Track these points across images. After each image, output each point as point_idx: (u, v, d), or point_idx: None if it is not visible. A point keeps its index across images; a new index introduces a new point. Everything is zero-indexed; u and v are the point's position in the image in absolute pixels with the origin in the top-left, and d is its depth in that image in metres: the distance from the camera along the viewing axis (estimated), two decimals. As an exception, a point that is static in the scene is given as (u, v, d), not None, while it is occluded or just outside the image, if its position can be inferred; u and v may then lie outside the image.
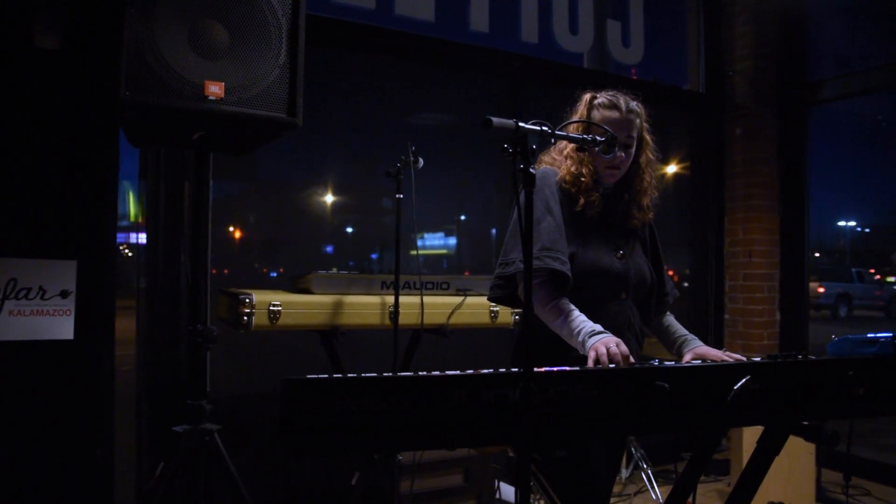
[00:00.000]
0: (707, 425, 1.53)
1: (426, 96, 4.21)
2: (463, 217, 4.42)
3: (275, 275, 3.83)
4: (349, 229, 4.13)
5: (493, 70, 4.30)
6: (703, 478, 4.31)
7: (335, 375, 1.29)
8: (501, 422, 1.33)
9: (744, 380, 1.48)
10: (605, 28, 4.66)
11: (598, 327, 1.75)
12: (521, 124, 1.35)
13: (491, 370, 1.37)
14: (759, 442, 1.65)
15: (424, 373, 1.31)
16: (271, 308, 2.60)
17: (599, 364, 1.63)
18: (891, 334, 1.72)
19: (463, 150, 4.23)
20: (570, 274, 1.85)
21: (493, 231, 4.54)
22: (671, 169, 5.01)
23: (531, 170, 1.35)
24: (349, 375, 1.28)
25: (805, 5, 4.92)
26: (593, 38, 4.60)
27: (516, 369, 1.37)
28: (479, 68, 4.27)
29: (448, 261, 4.49)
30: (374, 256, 4.21)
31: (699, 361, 1.80)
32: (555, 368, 1.42)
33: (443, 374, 1.32)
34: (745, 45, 4.88)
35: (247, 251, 3.80)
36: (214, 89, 2.06)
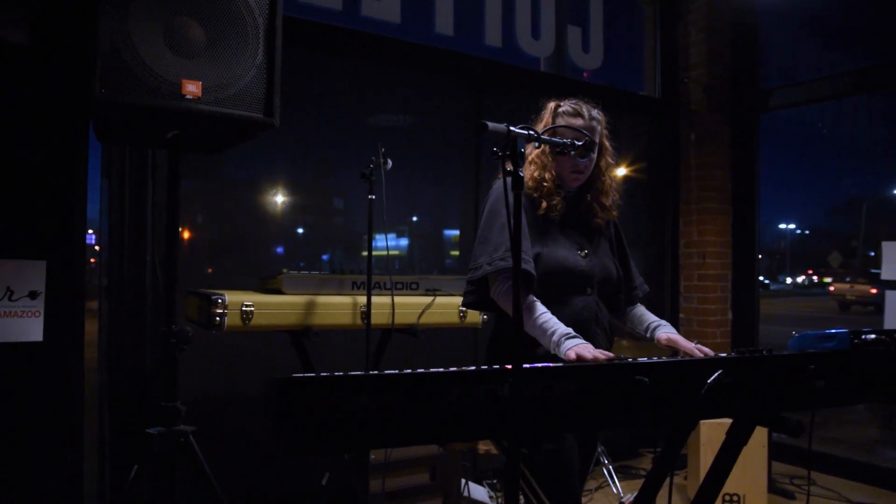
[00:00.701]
0: (683, 417, 1.60)
1: (389, 97, 4.21)
2: (415, 218, 4.44)
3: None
4: (300, 230, 4.09)
5: (457, 73, 4.35)
6: (660, 472, 4.44)
7: (330, 374, 1.31)
8: (491, 417, 1.37)
9: (717, 373, 1.56)
10: (566, 34, 4.77)
11: (570, 330, 1.84)
12: (511, 128, 1.39)
13: (480, 367, 1.41)
14: (728, 433, 1.73)
15: (417, 370, 1.34)
16: (244, 308, 2.58)
17: None
18: (846, 330, 1.82)
19: (419, 151, 4.25)
20: (534, 272, 1.93)
21: (446, 232, 4.57)
22: (629, 172, 5.15)
23: (519, 173, 1.40)
24: (345, 373, 1.30)
25: (755, 17, 5.12)
26: (555, 43, 4.70)
27: (499, 366, 1.42)
28: (442, 71, 4.31)
29: (400, 262, 4.50)
30: (325, 258, 4.18)
31: (671, 356, 1.88)
32: (540, 365, 1.47)
33: (436, 371, 1.35)
34: (700, 54, 5.05)
35: (190, 251, 3.71)
36: (192, 88, 2.05)
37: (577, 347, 1.75)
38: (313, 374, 1.30)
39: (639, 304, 2.30)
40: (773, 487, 3.90)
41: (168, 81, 2.01)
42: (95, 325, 3.00)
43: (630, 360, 1.62)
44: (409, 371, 1.34)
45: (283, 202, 3.94)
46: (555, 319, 1.87)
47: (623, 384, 1.48)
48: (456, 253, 4.58)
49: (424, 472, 3.42)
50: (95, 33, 1.91)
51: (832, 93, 4.69)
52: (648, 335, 2.17)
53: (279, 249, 3.97)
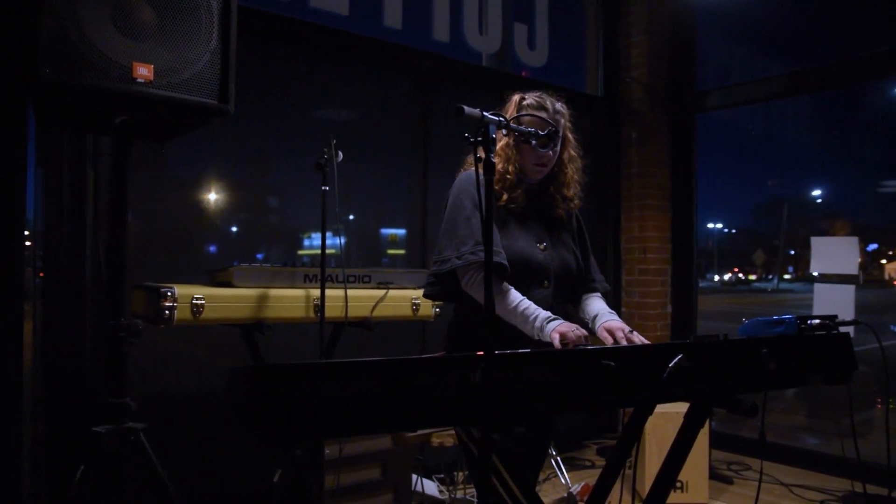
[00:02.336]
0: (645, 400, 1.64)
1: (334, 91, 4.14)
2: (351, 217, 4.40)
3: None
4: (234, 228, 3.97)
5: (404, 67, 4.33)
6: (599, 461, 4.55)
7: (304, 361, 1.29)
8: (464, 402, 1.38)
9: (677, 358, 1.60)
10: (513, 30, 4.82)
11: (550, 313, 1.88)
12: (485, 114, 1.40)
13: (452, 354, 1.42)
14: (686, 416, 1.79)
15: (392, 358, 1.33)
16: (194, 302, 2.51)
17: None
18: (793, 316, 1.91)
19: (361, 146, 4.18)
20: (507, 263, 1.94)
21: (383, 231, 4.55)
22: (572, 169, 5.22)
23: (491, 159, 1.41)
24: (319, 361, 1.28)
25: (693, 20, 5.30)
26: (501, 39, 4.74)
27: (468, 353, 1.43)
28: (390, 64, 4.28)
29: (335, 261, 4.44)
30: (259, 256, 4.09)
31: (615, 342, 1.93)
32: (511, 351, 1.48)
33: (411, 357, 1.35)
34: (641, 54, 5.19)
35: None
36: (143, 71, 1.97)
37: (559, 327, 1.79)
38: (286, 363, 1.28)
39: (591, 294, 2.28)
40: (713, 473, 4.04)
41: (118, 64, 1.93)
42: (30, 324, 2.85)
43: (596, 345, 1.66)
44: (383, 358, 1.32)
45: (219, 198, 3.79)
46: (533, 305, 1.90)
47: (591, 368, 1.51)
48: (393, 252, 4.54)
49: (376, 467, 3.40)
50: (40, 12, 1.82)
51: (767, 94, 4.89)
52: (591, 325, 2.17)
53: (212, 248, 3.84)
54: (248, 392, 1.25)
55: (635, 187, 5.18)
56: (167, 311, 2.45)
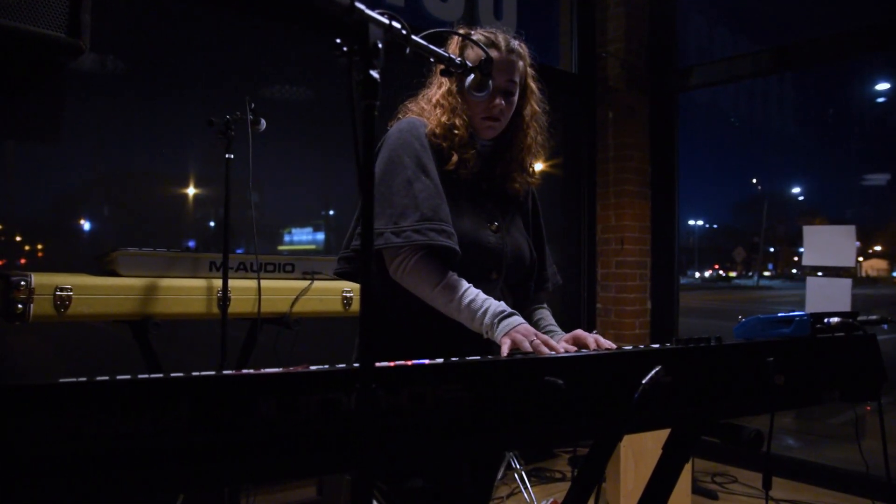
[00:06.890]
0: (609, 430, 1.19)
1: (280, 62, 3.65)
2: (332, 212, 3.98)
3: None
4: (212, 223, 3.55)
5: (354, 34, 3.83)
6: (567, 476, 4.11)
7: (62, 381, 0.82)
8: (330, 441, 0.91)
9: (654, 371, 1.15)
10: (477, -4, 4.35)
11: (505, 307, 1.43)
12: (357, 4, 0.92)
13: (314, 367, 0.95)
14: (665, 448, 1.34)
15: (203, 373, 0.86)
16: (58, 293, 2.02)
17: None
18: (805, 313, 1.46)
19: (329, 131, 3.71)
20: (458, 248, 1.49)
21: None
22: (544, 152, 4.78)
23: (372, 74, 0.93)
24: (83, 379, 0.81)
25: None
26: (464, 6, 4.27)
27: (339, 368, 0.96)
28: (338, 30, 3.79)
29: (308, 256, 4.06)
30: (239, 251, 3.65)
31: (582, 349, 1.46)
32: (407, 362, 1.01)
33: (244, 373, 0.87)
34: (618, 28, 4.74)
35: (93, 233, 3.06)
36: (-53, -15, 1.48)
37: (513, 332, 1.35)
38: (36, 384, 0.80)
39: (544, 305, 1.82)
40: (696, 487, 3.62)
41: None
42: None
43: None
44: (192, 374, 0.85)
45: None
46: (483, 296, 1.45)
47: (528, 389, 1.05)
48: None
49: (310, 485, 2.99)
50: None
51: (753, 71, 4.46)
52: None
53: (191, 243, 3.40)
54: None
55: (611, 172, 4.72)
56: (20, 305, 1.96)
